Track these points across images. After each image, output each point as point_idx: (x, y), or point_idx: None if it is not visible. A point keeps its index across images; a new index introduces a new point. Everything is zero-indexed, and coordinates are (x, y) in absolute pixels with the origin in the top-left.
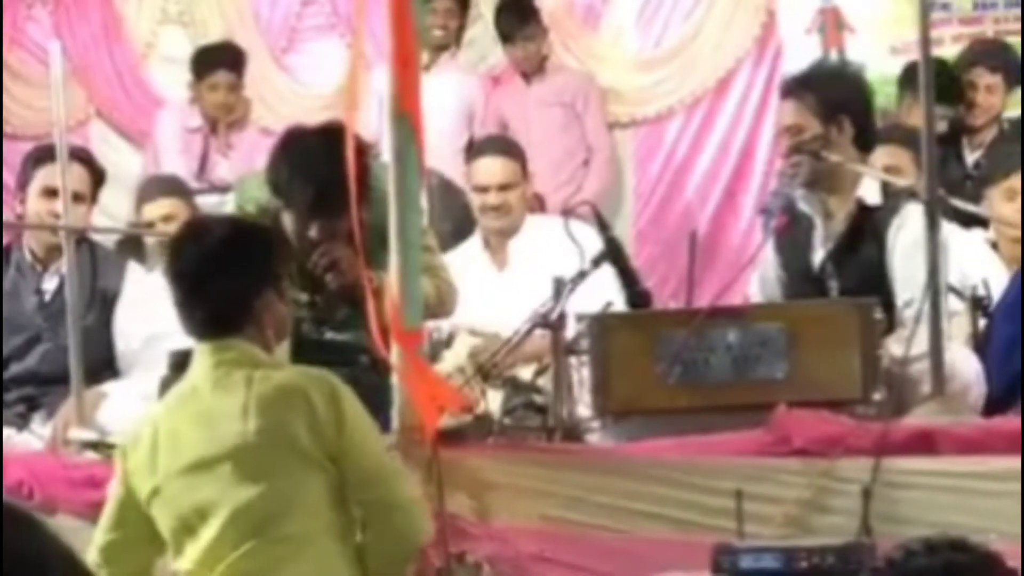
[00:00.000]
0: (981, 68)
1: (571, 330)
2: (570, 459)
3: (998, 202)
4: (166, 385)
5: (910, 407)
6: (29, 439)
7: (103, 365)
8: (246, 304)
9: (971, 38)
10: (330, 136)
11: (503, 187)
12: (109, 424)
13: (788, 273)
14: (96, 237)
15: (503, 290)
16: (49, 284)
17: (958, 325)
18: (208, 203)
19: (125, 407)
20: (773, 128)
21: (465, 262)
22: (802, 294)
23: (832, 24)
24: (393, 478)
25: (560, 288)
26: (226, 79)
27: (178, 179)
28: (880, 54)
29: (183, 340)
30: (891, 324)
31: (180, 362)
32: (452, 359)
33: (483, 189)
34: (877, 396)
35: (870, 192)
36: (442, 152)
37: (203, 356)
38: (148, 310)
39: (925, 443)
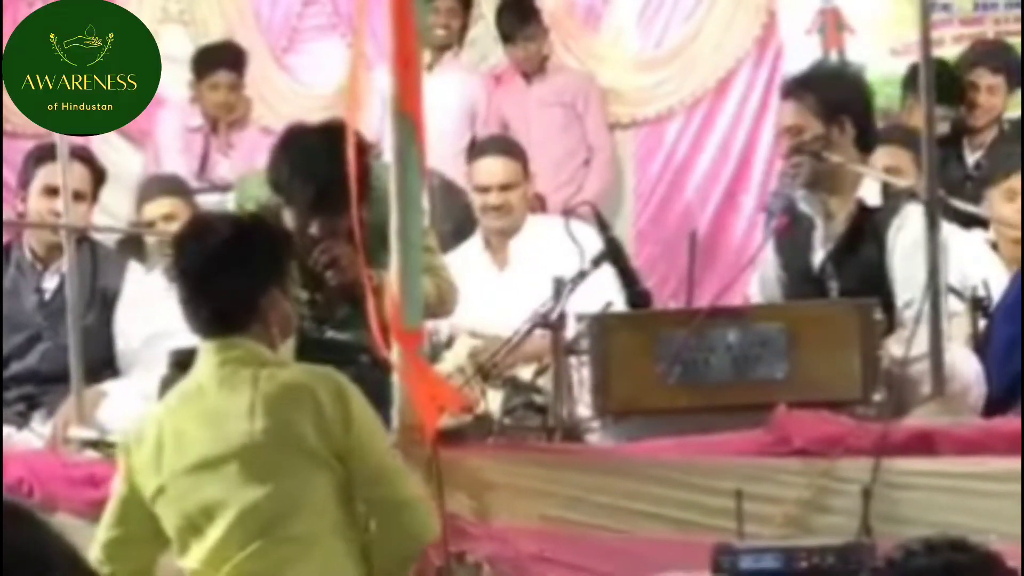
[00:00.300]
0: (982, 69)
1: (571, 330)
2: (570, 459)
3: (998, 203)
4: (166, 384)
5: (910, 408)
6: (29, 437)
7: (103, 364)
8: (252, 302)
9: (972, 39)
10: (331, 134)
11: (504, 187)
12: (109, 423)
13: (788, 273)
14: (97, 236)
15: (503, 290)
16: (49, 283)
17: (958, 326)
18: (209, 202)
19: (125, 406)
20: (773, 129)
21: (466, 262)
22: (802, 294)
23: (832, 25)
24: (399, 476)
25: (560, 288)
26: (227, 78)
27: (179, 178)
28: (880, 55)
29: (183, 339)
30: (891, 325)
31: (180, 361)
32: (452, 359)
33: (484, 189)
34: (877, 396)
35: (870, 193)
36: (445, 152)
37: (208, 354)
38: (148, 309)
39: (925, 443)
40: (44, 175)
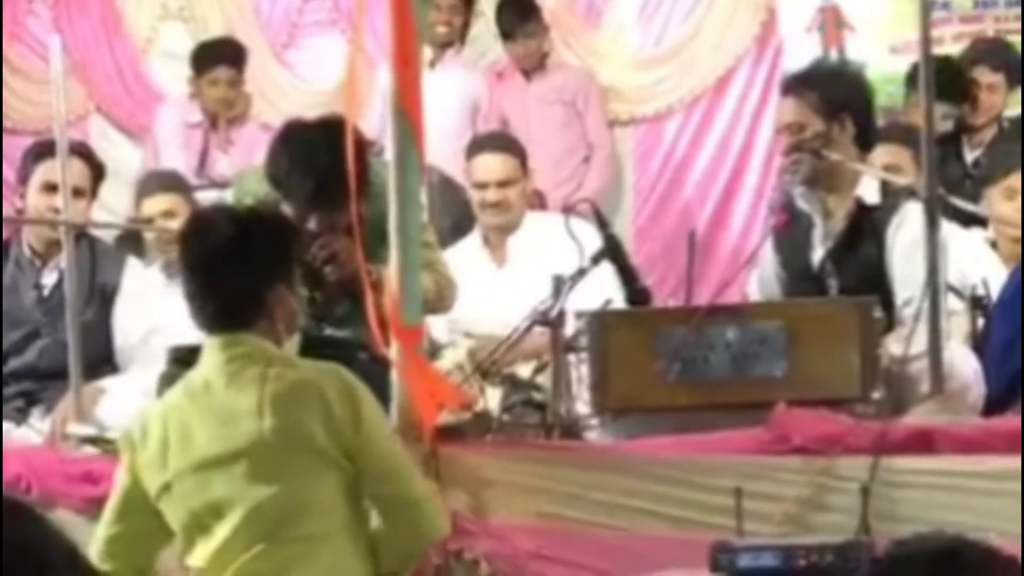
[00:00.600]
0: (983, 67)
1: (570, 327)
2: (569, 456)
3: (997, 201)
4: (165, 380)
5: (909, 406)
6: (28, 434)
7: (102, 360)
8: (258, 298)
9: (971, 37)
10: (330, 128)
11: (502, 183)
12: (107, 419)
13: (787, 271)
14: (95, 232)
15: (502, 287)
16: (48, 279)
17: (957, 324)
18: (208, 199)
19: (124, 402)
20: (772, 126)
21: (464, 259)
22: (801, 292)
23: (832, 23)
24: (408, 474)
25: (559, 285)
26: (226, 75)
27: (178, 174)
28: (880, 53)
29: (182, 335)
30: (890, 323)
31: (180, 357)
32: (451, 356)
33: (482, 186)
34: (876, 395)
35: (869, 191)
36: (448, 148)
37: (214, 351)
38: (147, 305)
39: (924, 442)
40: (43, 171)
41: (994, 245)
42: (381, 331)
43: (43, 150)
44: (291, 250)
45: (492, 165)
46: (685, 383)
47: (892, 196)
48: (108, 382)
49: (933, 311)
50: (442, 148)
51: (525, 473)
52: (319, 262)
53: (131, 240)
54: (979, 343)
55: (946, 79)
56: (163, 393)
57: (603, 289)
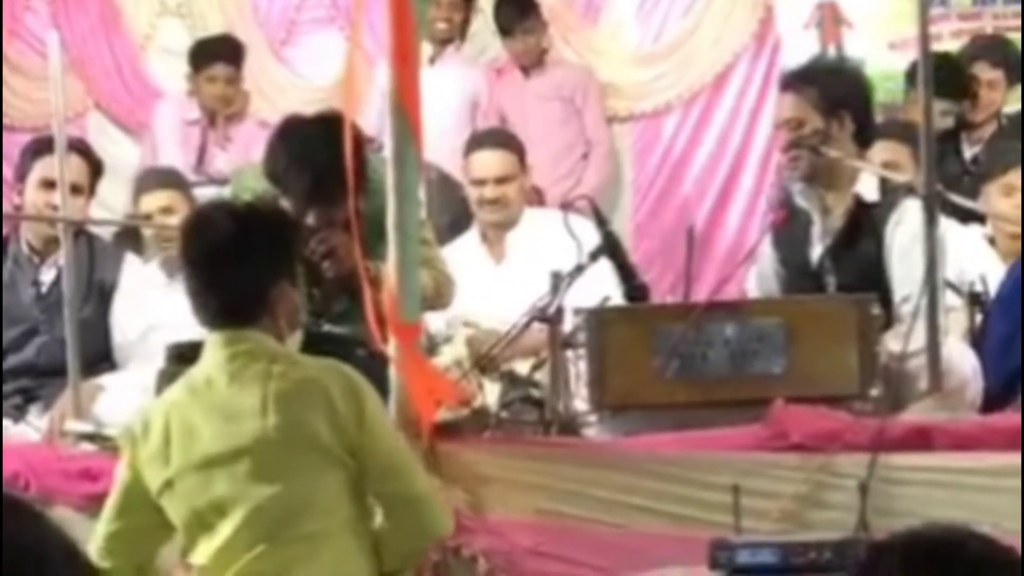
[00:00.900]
0: (983, 63)
1: (568, 324)
2: (567, 453)
3: (995, 198)
4: (163, 377)
5: (907, 403)
6: (26, 431)
7: (100, 357)
8: (261, 294)
9: (970, 34)
10: (328, 124)
11: (500, 180)
12: (106, 416)
13: (786, 268)
14: (94, 229)
15: (500, 283)
16: (46, 276)
17: (955, 321)
18: (206, 195)
19: (122, 399)
20: (771, 123)
21: (463, 255)
22: (800, 289)
23: (830, 19)
24: (411, 471)
25: (558, 282)
26: (224, 71)
27: (176, 171)
28: (878, 50)
29: (180, 332)
30: (889, 320)
31: (178, 354)
32: (450, 352)
33: (480, 182)
34: (874, 392)
35: (868, 188)
36: (447, 145)
37: (216, 347)
38: (145, 302)
39: (922, 439)
40: (41, 168)
41: (992, 242)
42: (379, 327)
43: (41, 147)
44: (293, 246)
45: (490, 162)
46: (683, 380)
47: (891, 193)
48: (106, 379)
49: (931, 308)
50: (441, 145)
51: (523, 470)
52: (317, 258)
53: (129, 237)
54: (977, 340)
55: (946, 75)
56: (162, 390)
57: (601, 285)
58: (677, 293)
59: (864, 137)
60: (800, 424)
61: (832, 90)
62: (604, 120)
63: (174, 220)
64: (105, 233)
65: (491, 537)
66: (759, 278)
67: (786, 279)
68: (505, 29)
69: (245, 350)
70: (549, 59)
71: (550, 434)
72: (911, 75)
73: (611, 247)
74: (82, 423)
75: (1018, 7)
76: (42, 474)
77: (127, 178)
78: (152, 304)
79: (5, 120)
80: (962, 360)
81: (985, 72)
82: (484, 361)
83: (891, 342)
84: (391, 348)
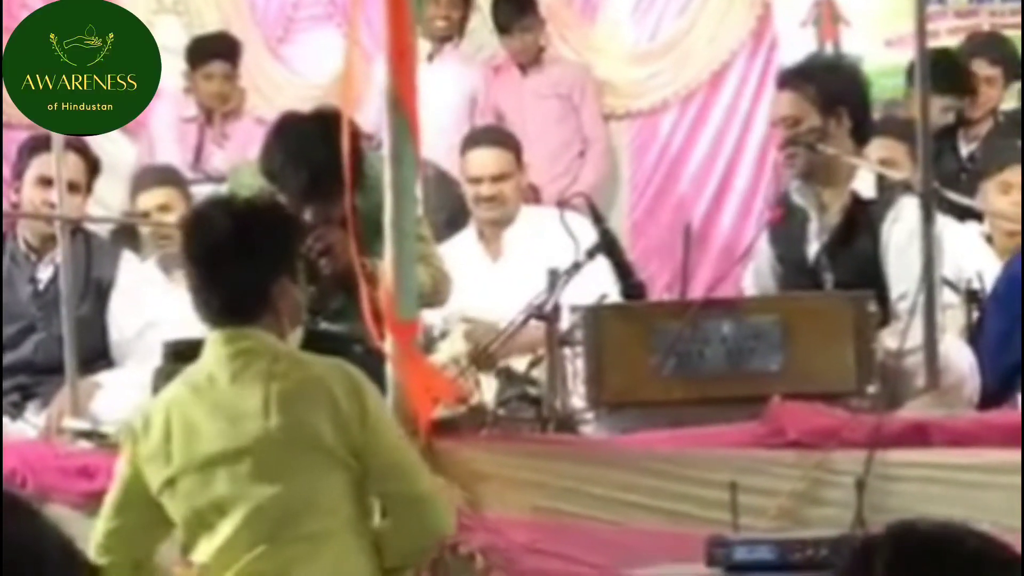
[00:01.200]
0: (981, 60)
1: (565, 321)
2: (564, 450)
3: (992, 195)
4: (161, 375)
5: (904, 400)
6: (23, 428)
7: (97, 355)
8: (263, 291)
9: (966, 31)
10: (324, 121)
11: (497, 178)
12: (103, 414)
13: (783, 266)
14: (91, 226)
15: (497, 281)
16: (43, 273)
17: (952, 318)
18: (203, 193)
19: (119, 397)
20: (768, 121)
21: (459, 253)
22: (797, 287)
23: (827, 17)
24: (414, 470)
25: (555, 279)
26: (221, 69)
27: (173, 169)
28: (875, 47)
29: (178, 330)
30: (885, 317)
31: (176, 352)
32: (447, 349)
33: (476, 180)
34: (871, 389)
35: (865, 185)
36: (444, 142)
37: (218, 345)
38: (142, 300)
39: (919, 435)
40: (38, 166)
41: (989, 239)
42: (376, 324)
43: (38, 144)
44: (294, 242)
45: (487, 159)
46: (680, 377)
47: (888, 190)
48: (104, 377)
49: (928, 305)
50: (438, 142)
51: (520, 467)
52: (314, 255)
53: (127, 234)
54: (974, 336)
55: (947, 72)
56: (159, 388)
57: (598, 283)
58: (674, 291)
59: (861, 134)
60: (797, 421)
61: (829, 87)
62: (601, 118)
63: (171, 218)
64: (102, 231)
65: (488, 534)
66: (756, 275)
67: (783, 276)
68: (503, 27)
69: (247, 348)
70: (546, 57)
71: (547, 431)
72: (912, 72)
73: (608, 245)
74: (79, 421)
75: (1015, 4)
76: (39, 471)
77: (124, 176)
78: (149, 302)
79: (3, 118)
80: (959, 357)
81: (983, 69)
82: (481, 359)
83: (888, 339)
84: (388, 345)
